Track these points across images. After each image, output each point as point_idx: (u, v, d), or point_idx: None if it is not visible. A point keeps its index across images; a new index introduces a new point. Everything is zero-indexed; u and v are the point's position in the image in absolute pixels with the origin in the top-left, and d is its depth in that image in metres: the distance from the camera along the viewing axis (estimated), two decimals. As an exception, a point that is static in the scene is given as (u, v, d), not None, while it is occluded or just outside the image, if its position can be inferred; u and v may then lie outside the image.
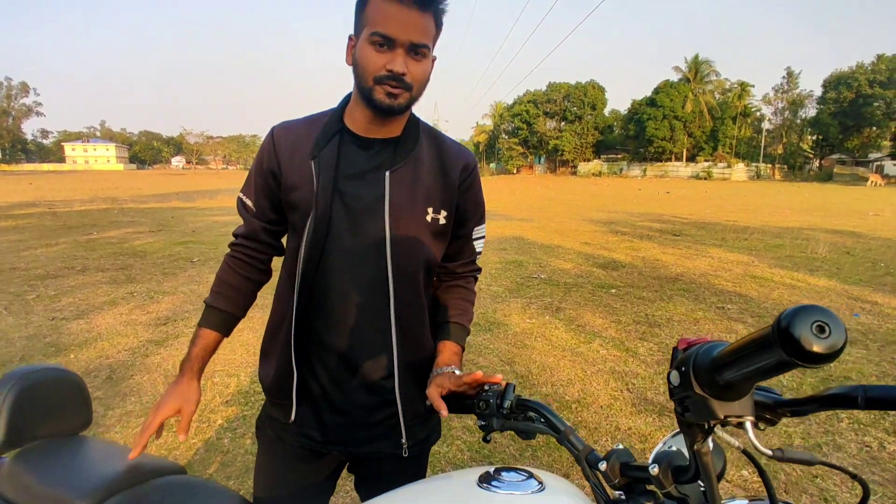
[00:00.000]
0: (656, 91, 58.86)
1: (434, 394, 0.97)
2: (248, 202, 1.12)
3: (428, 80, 1.01)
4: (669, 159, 59.40)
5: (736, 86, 59.14)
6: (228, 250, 1.16)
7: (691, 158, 59.61)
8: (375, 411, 1.08)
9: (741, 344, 0.49)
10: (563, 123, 67.65)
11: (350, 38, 1.01)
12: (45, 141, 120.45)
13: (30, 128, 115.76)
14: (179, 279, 6.22)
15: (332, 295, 1.03)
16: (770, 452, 0.54)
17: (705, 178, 51.69)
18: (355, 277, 1.03)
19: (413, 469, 1.16)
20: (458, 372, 1.03)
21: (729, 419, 0.54)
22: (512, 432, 0.88)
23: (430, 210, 1.04)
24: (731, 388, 0.53)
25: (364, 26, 0.94)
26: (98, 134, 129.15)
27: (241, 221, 1.16)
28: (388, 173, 1.01)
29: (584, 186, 36.81)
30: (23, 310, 4.90)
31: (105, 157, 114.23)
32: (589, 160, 66.03)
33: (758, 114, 61.13)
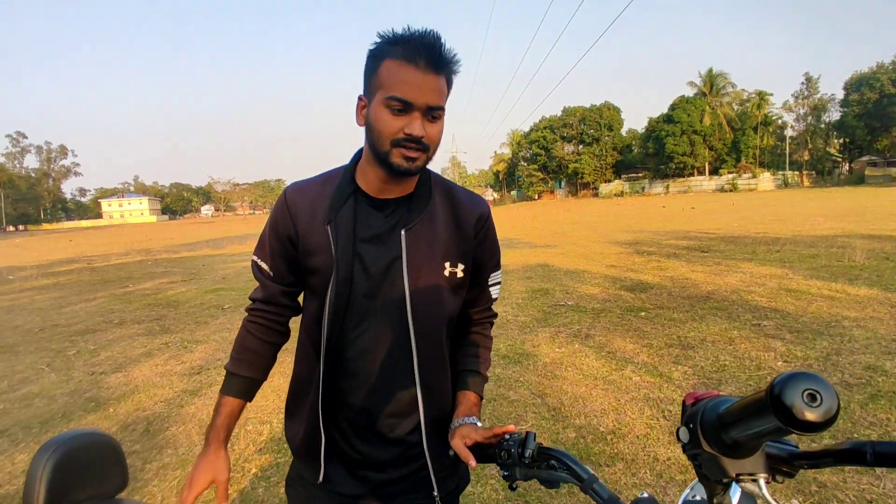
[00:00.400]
0: (672, 107, 58.76)
1: (459, 445, 0.96)
2: (265, 266, 1.12)
3: (440, 140, 1.01)
4: (692, 174, 58.75)
5: (754, 96, 58.60)
6: (246, 314, 1.16)
7: (714, 172, 58.83)
8: (405, 466, 1.09)
9: (742, 405, 0.49)
10: (580, 146, 67.83)
11: (360, 99, 1.00)
12: (83, 199, 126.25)
13: (69, 187, 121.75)
14: (211, 327, 6.35)
15: (356, 356, 1.04)
16: None
17: (730, 191, 50.83)
18: (378, 337, 1.03)
19: None
20: (479, 423, 1.03)
21: (741, 477, 0.54)
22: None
23: (447, 265, 1.04)
24: (740, 446, 0.52)
25: (378, 89, 0.94)
26: (132, 188, 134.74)
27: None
28: (403, 232, 1.01)
29: (607, 208, 36.56)
30: (64, 366, 5.07)
31: (139, 210, 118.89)
32: (610, 181, 65.77)
33: (779, 121, 60.33)
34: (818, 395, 0.44)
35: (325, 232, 1.01)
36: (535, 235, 17.03)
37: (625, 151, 68.09)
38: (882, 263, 7.66)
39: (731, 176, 54.90)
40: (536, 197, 71.53)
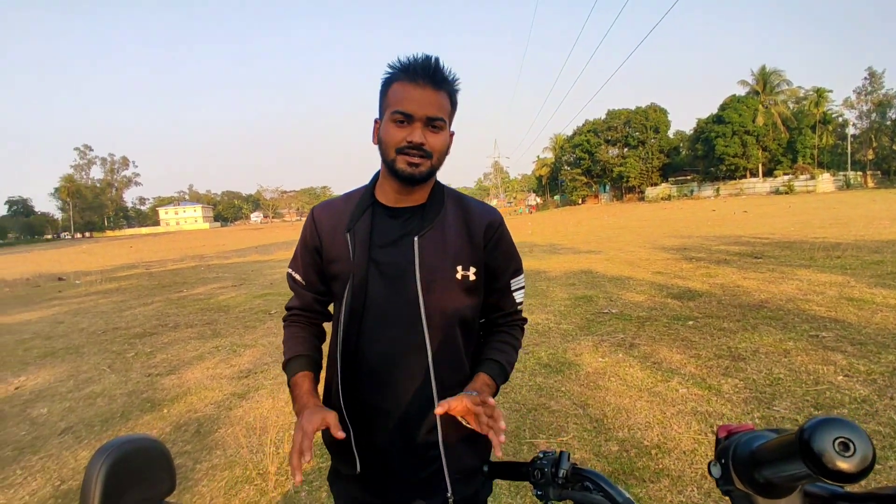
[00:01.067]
0: (723, 107, 56.60)
1: (444, 403, 0.93)
2: (298, 276, 1.23)
3: (446, 150, 1.10)
4: (744, 176, 56.34)
5: (811, 93, 55.77)
6: (284, 322, 1.26)
7: (768, 173, 56.23)
8: (421, 468, 1.11)
9: (774, 446, 0.47)
10: (626, 149, 66.28)
11: (375, 122, 1.12)
12: (142, 207, 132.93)
13: (130, 196, 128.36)
14: (259, 332, 6.56)
15: (373, 357, 1.10)
16: None
17: (786, 193, 48.43)
18: (394, 339, 1.09)
19: None
20: (475, 394, 0.99)
21: None
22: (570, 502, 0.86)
23: (459, 268, 1.11)
24: (773, 486, 0.50)
25: (386, 108, 1.06)
26: (187, 197, 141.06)
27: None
28: (416, 238, 1.09)
29: (653, 212, 35.56)
30: (123, 367, 5.35)
31: (193, 217, 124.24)
32: (656, 184, 63.92)
33: (840, 119, 57.10)
34: (851, 444, 0.41)
35: (345, 241, 1.12)
36: (579, 241, 16.75)
37: (672, 154, 66.05)
38: (957, 271, 7.12)
39: (786, 177, 52.28)
40: (580, 201, 70.35)
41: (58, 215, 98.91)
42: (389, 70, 1.07)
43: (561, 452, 0.88)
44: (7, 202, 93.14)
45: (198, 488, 2.85)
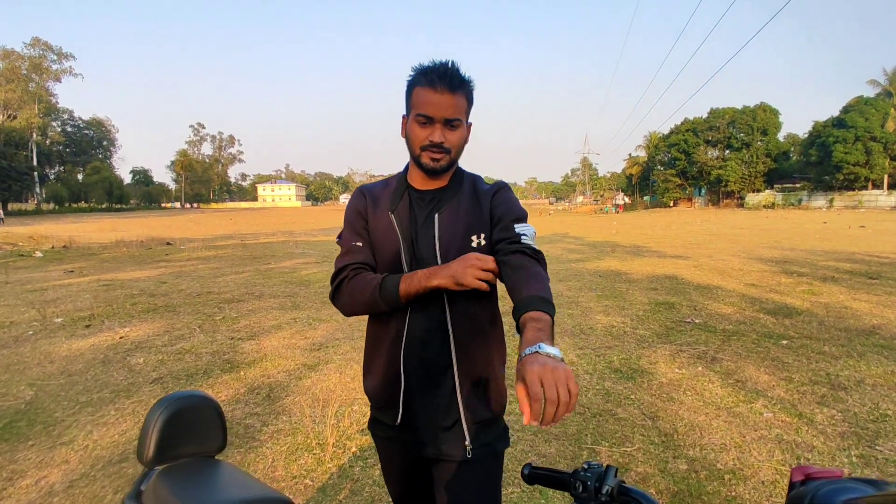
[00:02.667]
0: (846, 110, 50.95)
1: (520, 394, 0.83)
2: (349, 236, 1.35)
3: (464, 142, 1.28)
4: (865, 187, 50.57)
5: (959, 97, 48.77)
6: (346, 277, 1.29)
7: (895, 186, 50.08)
8: (444, 418, 1.26)
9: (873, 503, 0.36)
10: (727, 151, 61.74)
11: (403, 118, 1.29)
12: (243, 183, 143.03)
13: (233, 172, 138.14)
14: (334, 308, 6.81)
15: (412, 318, 1.25)
16: None
17: (917, 209, 42.89)
18: (425, 304, 1.23)
19: (481, 474, 1.28)
20: (549, 349, 0.88)
21: None
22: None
23: (473, 237, 1.26)
24: None
25: (411, 109, 1.23)
26: (283, 176, 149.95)
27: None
28: (436, 215, 1.28)
29: (753, 220, 32.90)
30: (211, 329, 5.77)
31: (287, 195, 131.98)
32: (759, 190, 59.01)
33: None
34: None
35: (389, 219, 1.30)
36: (666, 244, 15.86)
37: (780, 159, 60.58)
38: None
39: (918, 191, 46.29)
40: (672, 204, 66.66)
41: (172, 186, 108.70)
42: (413, 74, 1.22)
43: (608, 467, 0.80)
44: (131, 171, 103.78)
45: (262, 449, 3.00)
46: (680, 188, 66.89)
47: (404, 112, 1.29)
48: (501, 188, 1.35)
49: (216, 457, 1.26)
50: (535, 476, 0.91)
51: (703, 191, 65.52)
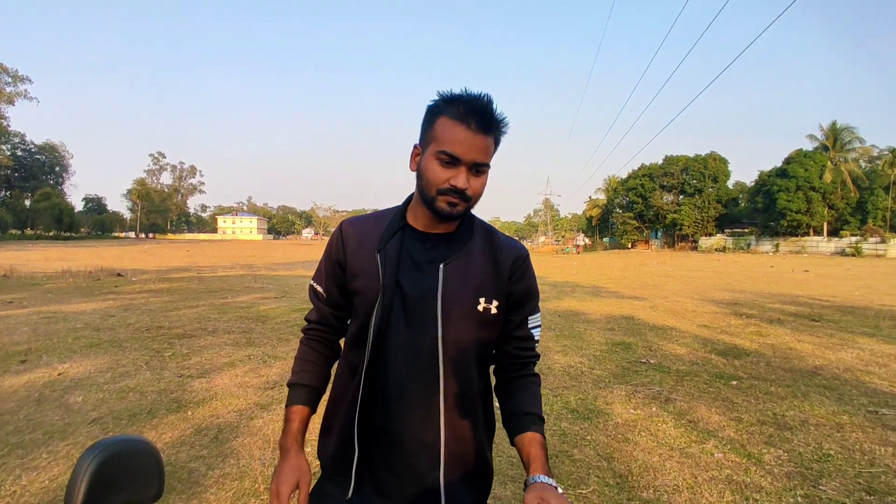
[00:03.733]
0: (788, 161, 54.52)
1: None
2: (320, 289, 1.23)
3: (483, 192, 1.10)
4: (807, 233, 53.67)
5: (886, 152, 52.96)
6: (302, 335, 1.28)
7: (834, 233, 53.31)
8: (420, 500, 1.09)
9: None
10: (681, 197, 64.68)
11: (415, 147, 1.12)
12: (203, 214, 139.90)
13: (193, 203, 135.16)
14: (292, 344, 6.64)
15: (389, 380, 1.09)
16: None
17: (853, 255, 45.64)
18: (410, 364, 1.08)
19: None
20: (560, 490, 0.96)
21: None
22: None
23: (482, 300, 1.10)
24: None
25: (431, 141, 1.05)
26: (245, 208, 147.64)
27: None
28: (441, 265, 1.09)
29: (706, 263, 34.24)
30: (159, 366, 5.51)
31: (248, 227, 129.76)
32: (711, 234, 61.77)
33: (918, 183, 53.69)
34: None
35: (373, 259, 1.12)
36: (624, 285, 16.27)
37: (730, 205, 63.88)
38: None
39: (854, 238, 49.34)
40: (630, 246, 68.81)
41: (127, 215, 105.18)
42: (439, 100, 1.06)
43: None
44: (84, 199, 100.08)
45: (206, 495, 2.85)
46: (637, 230, 69.27)
47: (418, 141, 1.12)
48: (525, 258, 1.19)
49: (152, 505, 1.19)
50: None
51: (659, 233, 68.01)
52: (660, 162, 67.07)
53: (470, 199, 1.06)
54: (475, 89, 1.05)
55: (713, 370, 5.66)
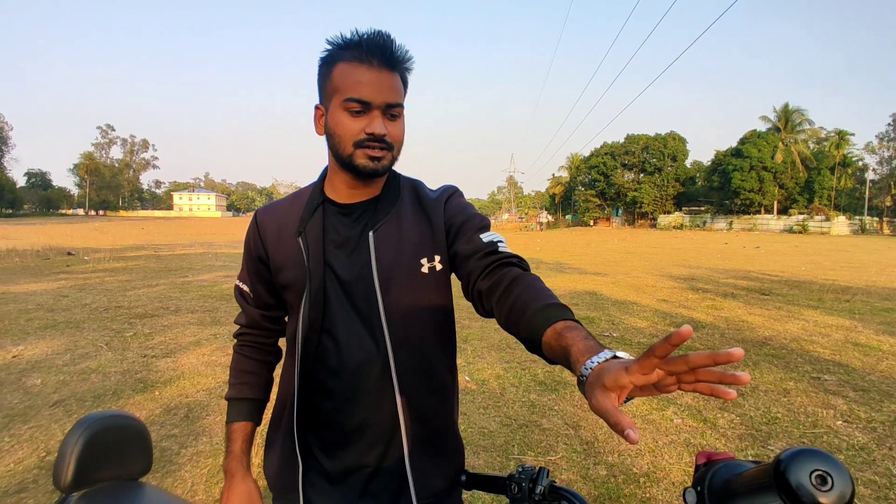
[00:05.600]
0: (742, 141, 56.36)
1: (607, 405, 0.54)
2: (246, 289, 1.11)
3: (404, 138, 0.98)
4: (758, 212, 55.98)
5: (833, 134, 55.46)
6: (235, 341, 1.17)
7: (783, 211, 55.83)
8: (387, 494, 1.00)
9: (749, 476, 0.45)
10: (641, 175, 66.15)
11: (317, 108, 0.99)
12: (157, 190, 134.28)
13: (146, 179, 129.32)
14: (258, 323, 6.56)
15: (332, 372, 0.99)
16: None
17: (800, 232, 48.00)
18: (353, 350, 0.97)
19: None
20: (621, 355, 0.60)
21: None
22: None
23: (424, 261, 0.98)
24: None
25: (333, 94, 0.93)
26: (202, 184, 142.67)
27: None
28: (371, 233, 0.97)
29: (664, 240, 35.36)
30: (121, 346, 5.37)
31: (206, 205, 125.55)
32: (669, 212, 63.64)
33: (860, 163, 56.64)
34: (829, 478, 0.40)
35: (296, 245, 1.00)
36: (587, 262, 16.67)
37: (687, 183, 65.82)
38: (968, 325, 6.99)
39: (801, 217, 51.83)
40: (592, 223, 70.24)
41: (74, 191, 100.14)
42: (332, 48, 0.93)
43: (540, 469, 0.86)
44: (26, 174, 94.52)
45: (180, 473, 2.84)
46: (599, 208, 70.66)
47: (318, 101, 0.99)
48: (453, 193, 1.07)
49: (141, 479, 1.20)
50: (472, 481, 0.96)
51: (620, 211, 69.59)
52: (621, 140, 68.31)
53: (393, 147, 0.94)
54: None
55: (672, 342, 5.92)
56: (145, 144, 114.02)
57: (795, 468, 0.41)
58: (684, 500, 0.54)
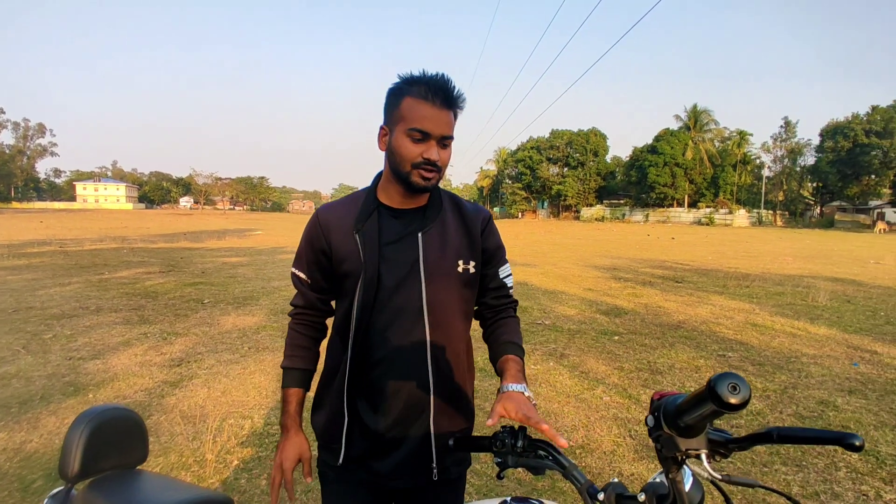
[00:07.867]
0: (657, 139, 60.21)
1: (497, 408, 1.02)
2: (303, 276, 1.31)
3: (450, 161, 1.22)
4: (672, 205, 60.15)
5: (735, 134, 60.50)
6: (290, 319, 1.36)
7: (693, 204, 60.35)
8: (413, 446, 1.22)
9: (691, 396, 0.67)
10: (565, 169, 68.95)
11: (382, 128, 1.21)
12: (57, 180, 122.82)
13: (43, 167, 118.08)
14: (191, 320, 6.36)
15: (379, 346, 1.20)
16: (720, 476, 0.73)
17: (707, 224, 52.16)
18: (399, 328, 1.19)
19: (448, 497, 1.31)
20: (528, 394, 1.07)
21: (689, 451, 0.73)
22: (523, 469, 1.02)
23: (460, 262, 1.23)
24: (690, 428, 0.72)
25: (399, 121, 1.15)
26: (109, 174, 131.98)
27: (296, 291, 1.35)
28: (420, 235, 1.21)
29: (587, 231, 37.18)
30: (41, 349, 5.04)
31: (115, 196, 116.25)
32: (592, 205, 66.89)
33: (757, 161, 62.25)
34: (738, 387, 0.65)
35: (354, 240, 1.21)
36: (516, 254, 17.29)
37: (608, 177, 69.44)
38: (843, 305, 8.06)
39: (708, 210, 56.37)
40: (519, 215, 72.34)
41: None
42: (401, 82, 1.16)
43: (520, 427, 1.03)
44: None
45: (130, 473, 2.79)
46: (526, 201, 72.90)
47: (384, 123, 1.20)
48: (490, 218, 1.33)
49: (140, 466, 1.27)
50: (460, 444, 1.12)
51: (545, 204, 72.16)
52: (546, 135, 70.76)
53: (441, 170, 1.18)
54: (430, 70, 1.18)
55: (598, 328, 6.40)
56: (41, 129, 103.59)
57: (720, 382, 0.65)
58: (646, 423, 0.76)
